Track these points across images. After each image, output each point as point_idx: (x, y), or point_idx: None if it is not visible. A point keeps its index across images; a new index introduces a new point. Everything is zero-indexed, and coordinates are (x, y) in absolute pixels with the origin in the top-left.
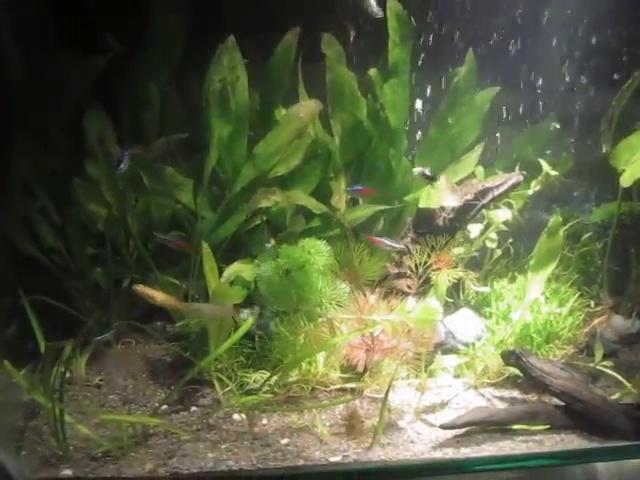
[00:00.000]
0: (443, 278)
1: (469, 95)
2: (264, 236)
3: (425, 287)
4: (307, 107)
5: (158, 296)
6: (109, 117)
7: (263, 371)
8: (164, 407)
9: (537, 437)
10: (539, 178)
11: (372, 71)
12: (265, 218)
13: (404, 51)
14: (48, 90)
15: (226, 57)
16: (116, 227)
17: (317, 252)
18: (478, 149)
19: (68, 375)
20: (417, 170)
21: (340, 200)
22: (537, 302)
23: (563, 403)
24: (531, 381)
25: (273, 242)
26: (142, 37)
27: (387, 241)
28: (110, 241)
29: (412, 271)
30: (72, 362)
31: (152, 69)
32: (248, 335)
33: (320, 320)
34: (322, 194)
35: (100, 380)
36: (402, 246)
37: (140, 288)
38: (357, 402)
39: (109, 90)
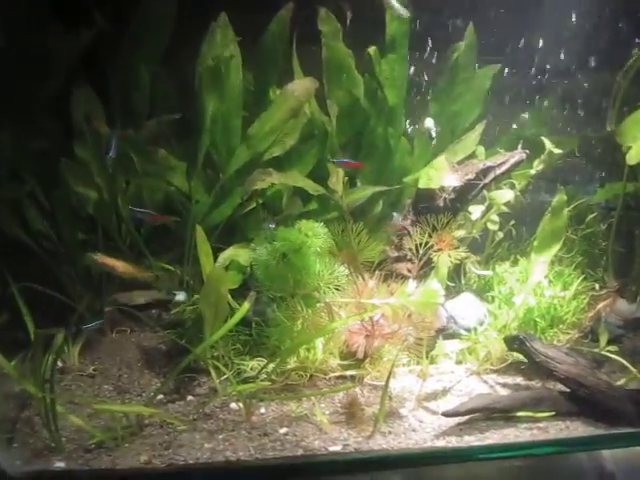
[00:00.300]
0: (444, 259)
1: (469, 71)
2: (264, 217)
3: (426, 270)
4: (302, 85)
5: (119, 265)
6: (99, 98)
7: (260, 358)
8: (160, 396)
9: (542, 424)
10: (542, 157)
11: (372, 49)
12: (261, 201)
13: (402, 25)
14: (32, 65)
15: (219, 35)
16: (107, 211)
17: (314, 234)
18: (479, 128)
19: (61, 365)
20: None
21: (337, 181)
22: (540, 285)
23: (568, 389)
24: (535, 367)
25: (274, 224)
26: (131, 15)
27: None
28: (101, 226)
29: (412, 254)
30: (64, 351)
31: (142, 49)
32: (245, 322)
33: (318, 305)
34: (319, 175)
35: (94, 369)
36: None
37: (99, 258)
38: (357, 390)
39: (98, 71)
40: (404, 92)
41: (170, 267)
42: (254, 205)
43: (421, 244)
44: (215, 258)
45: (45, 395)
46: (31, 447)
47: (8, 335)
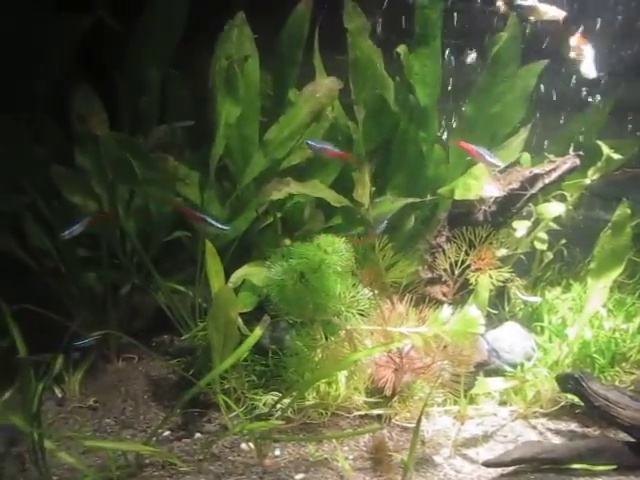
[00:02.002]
0: (485, 281)
1: (512, 67)
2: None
3: (463, 294)
4: (325, 86)
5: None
6: (106, 102)
7: (276, 392)
8: (166, 433)
9: (601, 479)
10: (598, 164)
11: (401, 47)
12: (279, 215)
13: (434, 13)
14: (29, 51)
15: (235, 34)
16: (108, 224)
17: (334, 251)
18: (523, 132)
19: (60, 395)
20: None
21: (364, 193)
22: (598, 316)
23: (633, 439)
24: (593, 411)
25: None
26: (140, 13)
27: (487, 155)
28: (105, 242)
29: (448, 275)
30: (64, 380)
31: (150, 49)
32: (261, 350)
33: (340, 332)
34: (343, 186)
35: (95, 401)
36: (501, 164)
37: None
38: (385, 431)
39: (105, 73)
40: (437, 91)
41: (181, 288)
42: (272, 219)
43: (457, 263)
44: (228, 278)
45: (33, 430)
46: None
47: (9, 362)
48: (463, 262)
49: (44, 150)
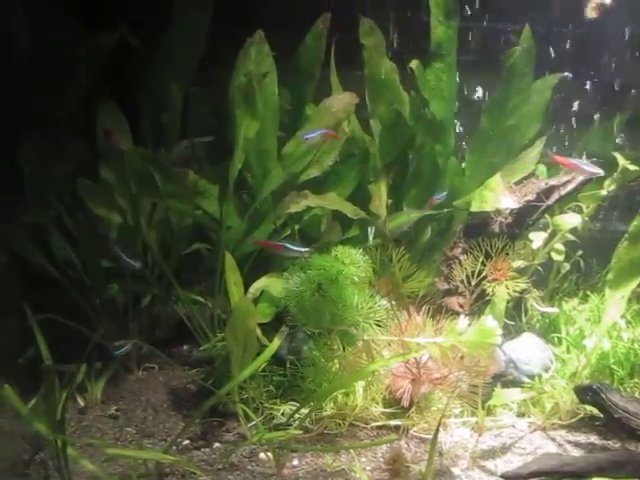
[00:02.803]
0: (501, 292)
1: (526, 80)
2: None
3: (480, 305)
4: (341, 100)
5: None
6: (128, 118)
7: (294, 402)
8: (185, 442)
9: None
10: (614, 175)
11: (414, 62)
12: (297, 227)
13: (449, 30)
14: (57, 66)
15: (254, 51)
16: (131, 236)
17: (352, 262)
18: (539, 144)
19: (82, 404)
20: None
21: (380, 205)
22: (616, 327)
23: None
24: (612, 423)
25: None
26: (162, 33)
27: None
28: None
29: (464, 287)
30: (86, 389)
31: (173, 66)
32: (279, 360)
33: (357, 342)
34: (360, 199)
35: (116, 410)
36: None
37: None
38: (402, 442)
39: (127, 90)
40: (453, 105)
41: (201, 299)
42: (289, 231)
43: (473, 274)
44: (246, 289)
45: (56, 437)
46: None
47: (34, 371)
48: (479, 273)
49: (69, 165)
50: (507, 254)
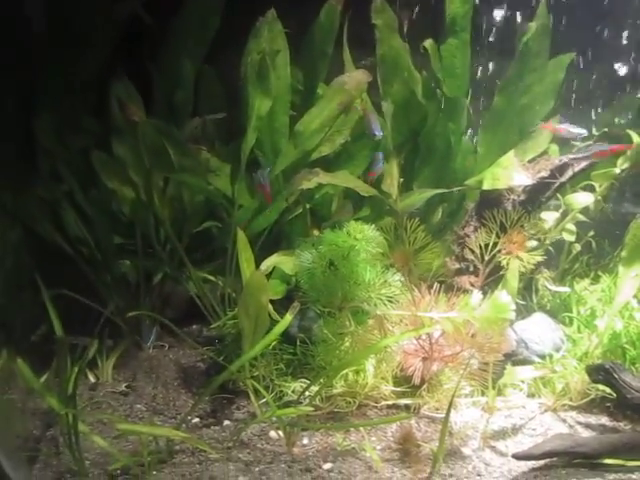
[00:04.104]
0: (514, 268)
1: (541, 58)
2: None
3: (490, 282)
4: (354, 78)
5: None
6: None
7: (304, 380)
8: (195, 420)
9: (635, 475)
10: (628, 153)
11: (428, 42)
12: (308, 205)
13: (465, 4)
14: (70, 42)
15: (266, 29)
16: (144, 211)
17: (364, 238)
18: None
19: (93, 380)
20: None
21: (392, 184)
22: (628, 307)
23: None
24: (624, 404)
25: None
26: (176, 9)
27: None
28: (140, 230)
29: (475, 266)
30: (97, 365)
31: (186, 45)
32: (289, 338)
33: (369, 320)
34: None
35: (127, 387)
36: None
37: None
38: (412, 422)
39: (140, 68)
40: (466, 82)
41: (212, 277)
42: (301, 210)
43: (486, 248)
44: (258, 268)
45: (67, 412)
46: (53, 469)
47: (48, 347)
48: (491, 251)
49: (83, 139)
50: (522, 226)
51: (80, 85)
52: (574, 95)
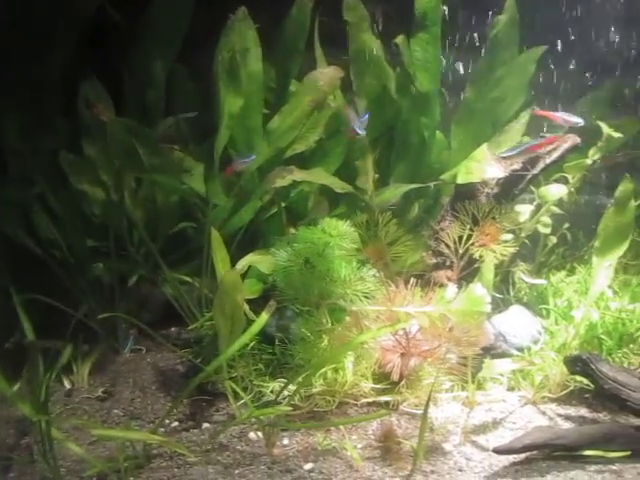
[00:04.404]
0: (489, 262)
1: (511, 51)
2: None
3: (466, 274)
4: (326, 75)
5: None
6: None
7: (283, 380)
8: (174, 424)
9: (615, 466)
10: (599, 144)
11: (399, 37)
12: (284, 204)
13: None
14: (35, 40)
15: (237, 27)
16: (116, 213)
17: (339, 234)
18: (524, 116)
19: (69, 386)
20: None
21: (367, 180)
22: (604, 297)
23: None
24: (602, 395)
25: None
26: (146, 7)
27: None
28: (112, 232)
29: (453, 258)
30: (72, 371)
31: (157, 44)
32: (268, 338)
33: (345, 317)
34: (347, 175)
35: (104, 392)
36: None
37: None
38: (393, 419)
39: (111, 68)
40: (438, 76)
41: (188, 279)
42: (277, 209)
43: (460, 240)
44: (234, 267)
45: (40, 418)
46: (27, 477)
47: (22, 354)
48: (467, 242)
49: (53, 141)
50: (494, 218)
51: (47, 85)
52: (547, 87)
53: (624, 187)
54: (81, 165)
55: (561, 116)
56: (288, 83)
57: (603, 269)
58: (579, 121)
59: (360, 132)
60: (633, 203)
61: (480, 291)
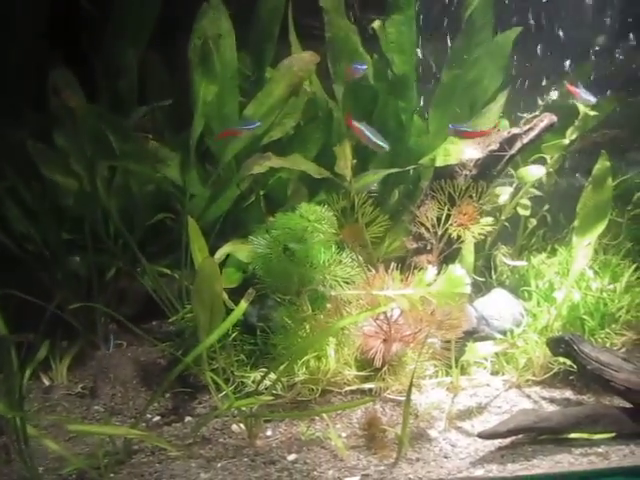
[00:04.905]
0: (469, 245)
1: (486, 32)
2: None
3: (449, 257)
4: (301, 60)
5: None
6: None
7: (266, 370)
8: (156, 418)
9: (600, 448)
10: (576, 123)
11: (376, 23)
12: (262, 192)
13: None
14: None
15: (211, 13)
16: (90, 204)
17: (317, 219)
18: (501, 98)
19: (47, 383)
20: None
21: (346, 166)
22: (585, 277)
23: (630, 404)
24: (585, 376)
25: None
26: None
27: (583, 93)
28: (88, 224)
29: (433, 242)
30: (51, 367)
31: (127, 31)
32: (249, 328)
33: (326, 303)
34: (325, 162)
35: (83, 388)
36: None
37: None
38: (377, 406)
39: (83, 57)
40: (414, 58)
41: (167, 271)
42: (255, 197)
43: (439, 222)
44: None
45: (14, 415)
46: (4, 477)
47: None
48: (445, 226)
49: (23, 132)
50: (470, 197)
51: (13, 73)
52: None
53: (601, 165)
54: (52, 155)
55: (579, 92)
56: (263, 69)
57: (583, 248)
58: (591, 99)
59: (361, 69)
60: (610, 181)
61: (459, 272)
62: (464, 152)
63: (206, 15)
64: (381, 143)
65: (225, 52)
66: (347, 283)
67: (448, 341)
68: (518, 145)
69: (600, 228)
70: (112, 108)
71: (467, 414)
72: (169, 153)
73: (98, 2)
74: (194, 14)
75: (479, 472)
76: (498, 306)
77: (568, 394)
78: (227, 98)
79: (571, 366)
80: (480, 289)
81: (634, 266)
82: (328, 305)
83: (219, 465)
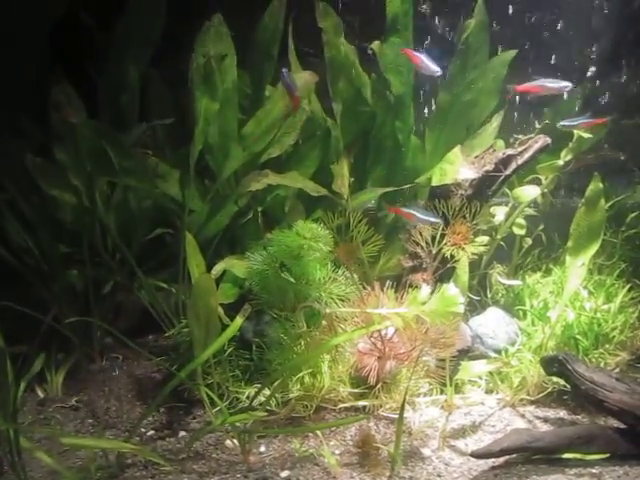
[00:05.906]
0: (464, 263)
1: (482, 54)
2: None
3: (444, 276)
4: (301, 79)
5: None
6: (83, 101)
7: (260, 385)
8: (150, 432)
9: (594, 469)
10: (570, 145)
11: (374, 44)
12: (260, 209)
13: (404, 3)
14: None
15: (212, 33)
16: (88, 218)
17: (314, 237)
18: (497, 119)
19: (42, 396)
20: None
21: (343, 184)
22: (579, 297)
23: (623, 425)
24: (579, 395)
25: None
26: (119, 12)
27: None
28: (86, 239)
29: (428, 260)
30: (46, 380)
31: (130, 48)
32: (245, 344)
33: (321, 320)
34: (323, 180)
35: (77, 401)
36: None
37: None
38: (371, 424)
39: (84, 73)
40: (411, 79)
41: (165, 285)
42: (253, 214)
43: (434, 240)
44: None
45: (8, 427)
46: None
47: None
48: (441, 243)
49: (23, 146)
50: (464, 217)
51: (17, 88)
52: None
53: (594, 186)
54: (51, 170)
55: (542, 84)
56: (263, 87)
57: (576, 268)
58: (567, 84)
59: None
60: (603, 202)
61: (453, 290)
62: (459, 172)
63: (208, 34)
64: (432, 219)
65: (226, 71)
66: (342, 300)
67: (442, 359)
68: (513, 166)
69: (593, 249)
70: (113, 124)
71: (461, 433)
72: (169, 169)
73: (100, 18)
74: (195, 32)
75: None
76: (493, 325)
77: (562, 414)
78: (227, 115)
79: (565, 386)
80: (475, 308)
81: (628, 286)
82: (323, 322)
83: None
